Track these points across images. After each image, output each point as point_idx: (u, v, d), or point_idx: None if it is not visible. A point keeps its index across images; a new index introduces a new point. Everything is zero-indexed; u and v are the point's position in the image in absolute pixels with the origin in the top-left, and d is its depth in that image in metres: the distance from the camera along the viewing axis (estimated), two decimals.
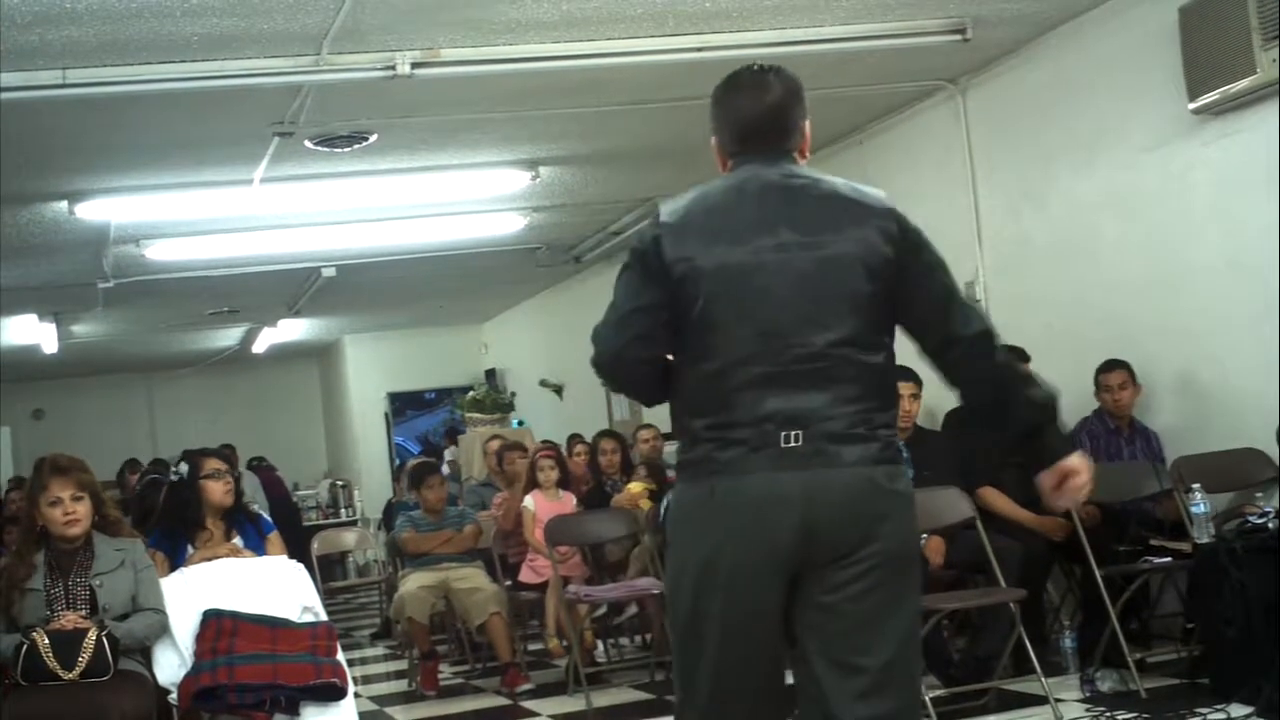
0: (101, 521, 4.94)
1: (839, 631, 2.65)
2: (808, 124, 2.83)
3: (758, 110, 2.78)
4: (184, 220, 8.45)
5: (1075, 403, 6.25)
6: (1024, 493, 5.96)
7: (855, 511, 2.62)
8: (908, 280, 2.70)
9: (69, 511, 4.80)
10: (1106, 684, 5.39)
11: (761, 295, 2.64)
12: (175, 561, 5.33)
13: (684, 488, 2.74)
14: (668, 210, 2.74)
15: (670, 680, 4.44)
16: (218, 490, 5.45)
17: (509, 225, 9.78)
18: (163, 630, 4.89)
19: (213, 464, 5.52)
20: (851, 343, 2.66)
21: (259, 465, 13.27)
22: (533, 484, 7.68)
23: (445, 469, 10.32)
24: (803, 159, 2.83)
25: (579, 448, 9.07)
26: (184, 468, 5.56)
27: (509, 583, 7.63)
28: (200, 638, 4.87)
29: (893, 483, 2.68)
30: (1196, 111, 5.72)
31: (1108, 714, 5.02)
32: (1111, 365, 6.15)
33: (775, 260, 2.65)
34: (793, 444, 2.61)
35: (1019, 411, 2.74)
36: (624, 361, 2.76)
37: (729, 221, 2.69)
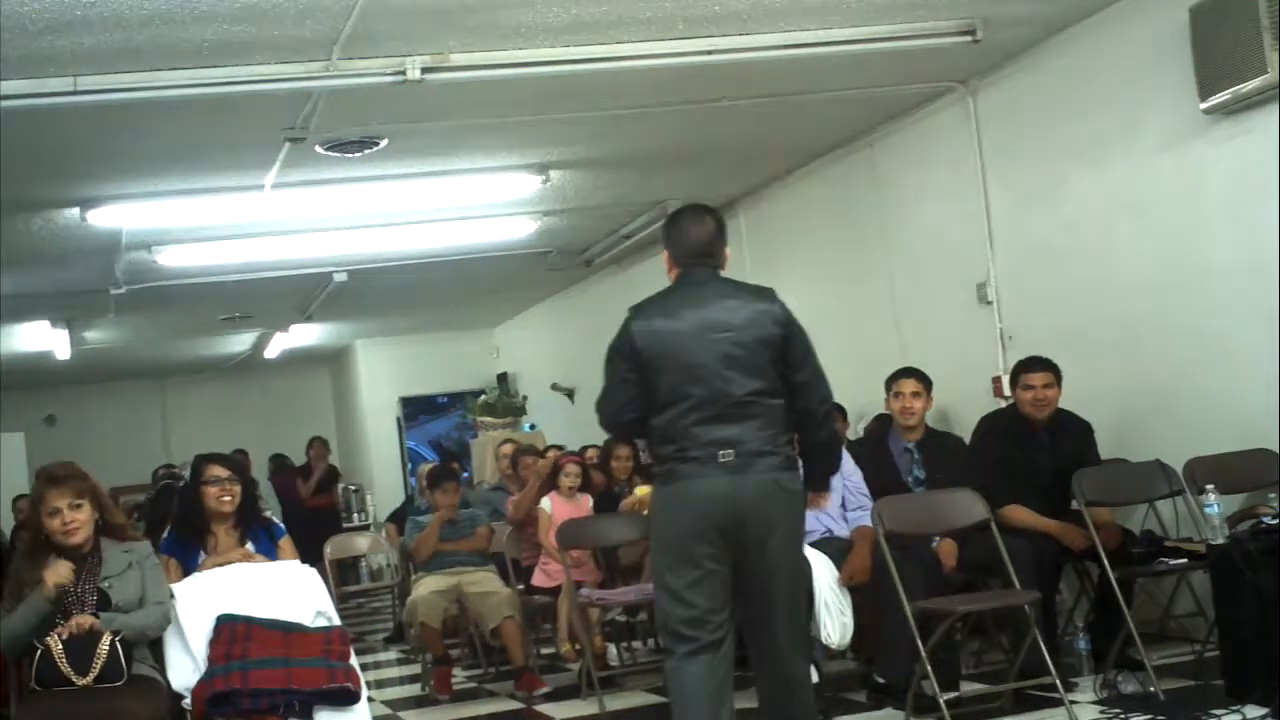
0: (107, 527, 4.94)
1: (761, 589, 4.17)
2: (727, 250, 4.37)
3: (701, 236, 4.31)
4: (196, 226, 8.46)
5: (1085, 402, 6.25)
6: (1042, 505, 5.96)
7: (764, 501, 4.11)
8: (791, 355, 4.19)
9: (68, 521, 4.80)
10: (1130, 686, 5.36)
11: (699, 367, 4.12)
12: (188, 567, 5.33)
13: (659, 488, 4.27)
14: (637, 323, 4.19)
15: None
16: (212, 496, 5.43)
17: (520, 229, 9.79)
18: (165, 619, 4.86)
19: (214, 470, 5.47)
20: (761, 393, 4.13)
21: (277, 468, 13.30)
22: (549, 485, 7.67)
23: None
24: (722, 270, 4.34)
25: (590, 451, 9.06)
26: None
27: (522, 586, 7.64)
28: (213, 643, 4.87)
29: (790, 484, 4.19)
30: (1208, 112, 5.71)
31: (1122, 715, 5.01)
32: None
33: (706, 344, 4.13)
34: (727, 459, 4.08)
35: (809, 459, 4.41)
36: (613, 424, 4.39)
37: (675, 319, 4.18)
